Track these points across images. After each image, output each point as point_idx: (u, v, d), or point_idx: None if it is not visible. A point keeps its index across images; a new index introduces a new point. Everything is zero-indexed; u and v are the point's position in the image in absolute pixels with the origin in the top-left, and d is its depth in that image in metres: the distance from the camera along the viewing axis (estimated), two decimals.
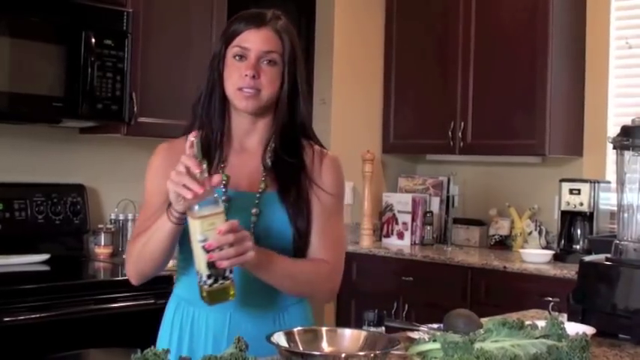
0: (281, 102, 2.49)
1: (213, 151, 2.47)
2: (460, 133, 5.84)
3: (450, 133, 5.89)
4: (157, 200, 2.43)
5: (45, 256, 4.42)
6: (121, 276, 4.14)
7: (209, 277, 2.17)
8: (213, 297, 2.21)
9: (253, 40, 2.44)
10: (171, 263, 2.51)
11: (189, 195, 2.12)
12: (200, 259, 2.17)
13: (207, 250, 2.13)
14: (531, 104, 5.48)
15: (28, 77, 4.23)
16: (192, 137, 2.18)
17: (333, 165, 2.58)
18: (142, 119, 4.62)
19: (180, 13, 4.77)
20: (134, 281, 2.51)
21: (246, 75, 2.40)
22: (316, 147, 2.57)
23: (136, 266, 2.45)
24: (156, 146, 2.62)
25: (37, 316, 3.75)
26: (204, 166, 2.16)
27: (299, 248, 2.47)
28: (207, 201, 2.14)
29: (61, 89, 4.31)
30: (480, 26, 5.80)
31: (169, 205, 2.24)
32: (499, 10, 5.73)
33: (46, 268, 4.38)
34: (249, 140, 2.54)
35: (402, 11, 6.33)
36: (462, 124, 5.84)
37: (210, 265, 2.15)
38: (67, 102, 4.32)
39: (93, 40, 4.38)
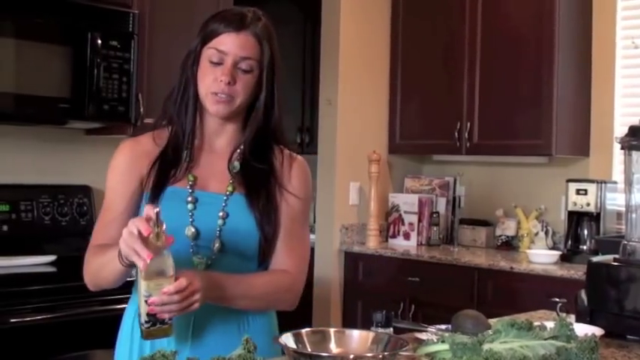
0: (257, 110, 2.45)
1: (181, 150, 2.44)
2: (466, 134, 5.83)
3: (456, 133, 5.88)
4: (118, 203, 2.43)
5: (51, 258, 4.42)
6: (127, 277, 4.13)
7: (147, 322, 2.14)
8: (150, 335, 2.18)
9: (231, 45, 2.38)
10: None
11: (139, 262, 2.06)
12: (141, 305, 2.14)
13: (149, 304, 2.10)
14: (538, 104, 5.47)
15: (34, 79, 4.22)
16: (155, 209, 2.07)
17: (301, 169, 2.54)
18: (148, 120, 4.61)
19: (186, 13, 4.76)
20: (91, 289, 2.48)
21: (221, 80, 2.36)
22: (286, 151, 2.53)
23: (93, 280, 2.42)
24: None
25: (43, 317, 3.75)
26: (160, 229, 2.07)
27: (265, 252, 2.43)
28: (156, 264, 2.08)
29: (67, 90, 4.31)
30: (486, 26, 5.79)
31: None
32: (505, 10, 5.72)
33: (52, 269, 4.37)
34: (218, 141, 2.49)
35: (408, 11, 6.33)
36: (469, 124, 5.83)
37: (151, 314, 2.13)
38: (73, 103, 4.32)
39: (99, 41, 4.38)
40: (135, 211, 2.42)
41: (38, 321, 3.73)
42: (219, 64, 2.37)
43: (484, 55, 5.79)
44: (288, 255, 2.44)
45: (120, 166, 2.46)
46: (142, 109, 4.56)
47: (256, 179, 2.44)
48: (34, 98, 4.22)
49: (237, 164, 2.46)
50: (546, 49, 5.44)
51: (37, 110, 4.29)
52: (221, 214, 2.38)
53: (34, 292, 3.82)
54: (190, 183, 2.40)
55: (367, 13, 6.31)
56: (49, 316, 3.75)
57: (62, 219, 4.61)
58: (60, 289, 3.86)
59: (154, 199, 2.36)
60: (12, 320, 3.64)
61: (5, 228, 4.47)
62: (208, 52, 2.39)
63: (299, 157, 2.56)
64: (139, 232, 2.03)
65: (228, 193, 2.42)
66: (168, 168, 2.42)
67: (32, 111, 4.28)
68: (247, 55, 2.38)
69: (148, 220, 2.04)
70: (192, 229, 2.37)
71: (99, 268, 2.32)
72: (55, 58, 4.29)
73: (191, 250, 2.37)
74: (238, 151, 2.47)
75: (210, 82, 2.37)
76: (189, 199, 2.38)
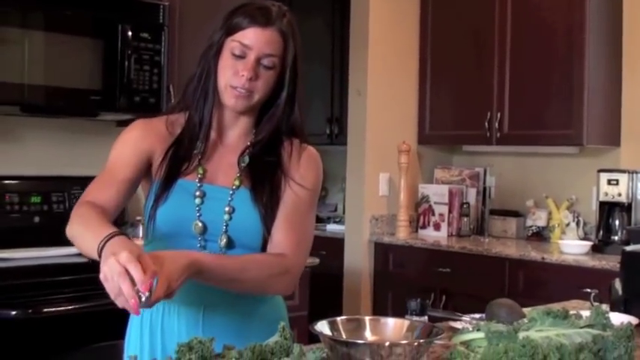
0: (277, 108, 2.41)
1: (195, 141, 2.40)
2: (497, 124, 5.81)
3: (486, 123, 5.86)
4: (120, 171, 2.35)
5: None
6: None
7: None
8: None
9: (256, 40, 2.32)
10: None
11: (118, 301, 1.89)
12: None
13: None
14: (568, 94, 5.45)
15: (65, 71, 4.24)
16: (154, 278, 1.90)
17: (311, 159, 2.49)
18: None
19: (216, 5, 4.76)
20: (68, 236, 2.25)
21: (243, 75, 2.31)
22: (295, 141, 2.46)
23: (72, 239, 2.22)
24: None
25: (75, 307, 3.76)
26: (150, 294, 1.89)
27: (268, 246, 2.38)
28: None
29: (98, 83, 4.33)
30: (516, 15, 5.76)
31: (103, 246, 1.98)
32: None
33: (83, 260, 4.37)
34: (230, 134, 2.46)
35: (437, 1, 6.32)
36: (499, 114, 5.81)
37: None
38: (104, 95, 4.33)
39: (129, 33, 4.39)
40: (134, 185, 2.38)
41: (70, 311, 3.74)
42: (241, 57, 2.32)
43: (514, 45, 5.76)
44: (285, 237, 2.36)
45: (131, 139, 2.42)
46: (172, 101, 4.57)
47: (263, 172, 2.40)
48: (65, 90, 4.23)
49: (247, 158, 2.43)
50: (577, 37, 5.41)
51: (68, 102, 4.31)
52: (227, 208, 2.35)
53: (66, 282, 3.83)
54: (200, 176, 2.38)
55: (396, 3, 6.30)
56: (80, 305, 3.76)
57: None
58: (91, 280, 3.84)
59: (164, 191, 2.34)
60: (45, 310, 3.66)
61: (37, 219, 4.49)
62: (231, 45, 2.34)
63: (310, 147, 2.50)
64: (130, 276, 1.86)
65: (234, 187, 2.38)
66: (180, 159, 2.39)
67: (64, 103, 4.30)
68: (271, 51, 2.34)
69: (146, 272, 1.88)
70: (200, 224, 2.34)
71: (79, 237, 2.17)
72: (85, 51, 4.31)
73: (199, 245, 2.34)
74: (248, 143, 2.45)
75: (231, 75, 2.33)
76: (197, 193, 2.35)
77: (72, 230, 2.20)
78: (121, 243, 1.97)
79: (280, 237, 2.35)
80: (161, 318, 2.38)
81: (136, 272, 1.85)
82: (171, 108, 2.53)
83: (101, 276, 1.89)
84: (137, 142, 2.38)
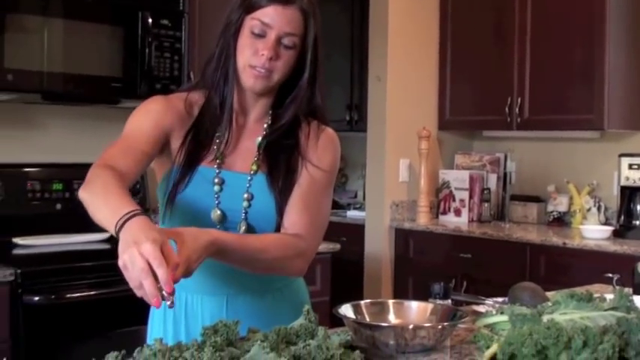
0: (299, 90, 2.35)
1: (216, 125, 2.33)
2: (517, 109, 5.80)
3: (506, 108, 5.85)
4: (140, 141, 2.23)
5: (104, 235, 4.45)
6: None
7: None
8: None
9: (277, 18, 2.24)
10: None
11: (138, 292, 1.79)
12: None
13: None
14: (589, 78, 5.42)
15: (84, 58, 4.26)
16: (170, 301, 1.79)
17: (329, 140, 2.43)
18: None
19: None
20: (80, 198, 2.08)
21: (263, 54, 2.23)
22: (313, 122, 2.40)
23: (84, 201, 2.03)
24: None
25: (97, 292, 3.78)
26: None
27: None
28: None
29: (119, 70, 4.35)
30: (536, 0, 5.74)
31: (122, 225, 1.86)
32: None
33: (106, 246, 4.41)
34: (248, 117, 2.39)
35: None
36: (519, 99, 5.79)
37: None
38: (125, 82, 4.35)
39: (150, 20, 4.40)
40: (150, 160, 2.27)
41: (92, 297, 3.77)
42: (261, 36, 2.24)
43: (534, 29, 5.74)
44: (300, 218, 2.31)
45: (152, 112, 2.31)
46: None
47: (279, 156, 2.35)
48: (85, 78, 4.25)
49: (264, 141, 2.37)
50: (597, 21, 5.38)
51: (88, 90, 4.33)
52: (246, 195, 2.31)
53: (89, 268, 3.85)
54: (218, 162, 2.32)
55: None
56: (102, 291, 3.78)
57: None
58: (114, 266, 3.87)
59: (183, 177, 2.28)
60: (67, 296, 3.68)
61: (59, 206, 4.52)
62: (251, 23, 2.25)
63: (328, 129, 2.44)
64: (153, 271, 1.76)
65: (252, 172, 2.33)
66: (200, 144, 2.32)
67: (84, 90, 4.32)
68: (292, 30, 2.26)
69: (168, 263, 1.77)
70: (219, 212, 2.29)
71: (94, 203, 2.00)
72: (105, 38, 4.32)
73: None
74: (265, 126, 2.39)
75: (250, 55, 2.25)
76: (216, 180, 2.30)
77: (88, 193, 2.03)
78: (142, 227, 1.82)
79: (295, 218, 2.31)
80: (184, 308, 2.36)
81: (161, 272, 1.74)
82: (191, 87, 2.43)
83: (120, 263, 1.78)
84: (158, 116, 2.29)
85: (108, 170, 2.06)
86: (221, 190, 2.30)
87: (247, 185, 2.32)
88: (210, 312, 2.32)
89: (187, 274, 1.89)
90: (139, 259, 1.74)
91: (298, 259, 2.31)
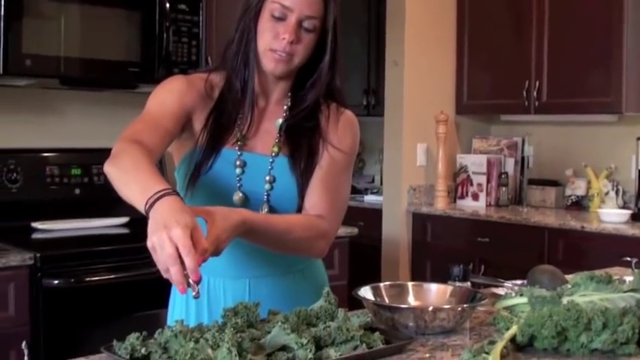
0: (321, 74, 2.34)
1: (238, 108, 2.32)
2: (535, 93, 5.78)
3: (524, 92, 5.83)
4: (164, 118, 2.21)
5: (124, 219, 4.48)
6: None
7: None
8: None
9: (297, 2, 2.23)
10: None
11: (165, 275, 1.80)
12: None
13: None
14: (607, 61, 5.40)
15: (101, 43, 4.26)
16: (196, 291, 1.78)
17: (349, 122, 2.43)
18: None
19: None
20: (106, 172, 2.06)
21: (284, 38, 2.22)
22: (333, 105, 2.40)
23: (111, 175, 2.02)
24: None
25: (116, 276, 3.80)
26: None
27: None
28: None
29: (136, 55, 4.35)
30: None
31: (152, 204, 1.84)
32: None
33: (125, 230, 4.43)
34: (267, 100, 2.39)
35: None
36: (537, 83, 5.77)
37: None
38: (143, 67, 4.36)
39: (167, 4, 4.40)
40: (172, 139, 2.24)
41: (111, 280, 3.78)
42: (281, 19, 2.23)
43: (552, 12, 5.71)
44: (321, 200, 2.32)
45: (175, 90, 2.29)
46: None
47: (301, 138, 2.35)
48: (102, 63, 4.26)
49: (284, 123, 2.37)
50: (616, 4, 5.35)
51: (106, 75, 4.34)
52: (268, 178, 2.31)
53: (108, 252, 3.87)
54: (240, 144, 2.32)
55: None
56: (122, 275, 3.80)
57: None
58: (133, 250, 3.91)
59: (206, 160, 2.27)
60: (87, 279, 3.70)
61: (78, 191, 4.53)
62: (271, 7, 2.24)
63: (348, 111, 2.44)
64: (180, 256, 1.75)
65: (273, 154, 2.33)
66: (222, 127, 2.32)
67: (101, 75, 4.33)
68: (312, 13, 2.25)
69: (196, 248, 1.77)
70: (241, 195, 2.29)
71: (122, 178, 1.98)
72: (122, 23, 4.33)
73: None
74: (285, 108, 2.39)
75: (271, 39, 2.24)
76: (238, 162, 2.30)
77: (115, 167, 2.01)
78: (173, 208, 1.81)
79: (316, 199, 2.31)
80: (207, 292, 2.35)
81: (189, 260, 1.73)
82: (211, 69, 2.42)
83: (149, 244, 1.77)
84: (181, 95, 2.27)
85: (136, 145, 2.04)
86: (243, 172, 2.30)
87: (269, 167, 2.32)
88: (233, 295, 2.32)
89: (216, 253, 1.89)
90: (168, 245, 1.73)
91: (321, 240, 2.32)
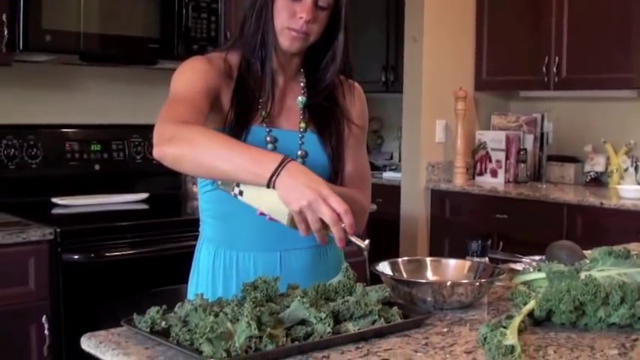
0: (337, 51, 2.34)
1: (260, 86, 2.32)
2: (555, 68, 5.76)
3: (544, 68, 5.81)
4: (198, 98, 2.19)
5: (144, 195, 4.50)
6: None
7: None
8: None
9: None
10: None
11: (316, 232, 1.91)
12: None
13: None
14: (627, 36, 5.38)
15: (121, 19, 4.27)
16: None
17: (361, 97, 2.50)
18: None
19: None
20: (161, 156, 2.06)
21: (301, 18, 2.22)
22: (342, 78, 2.43)
23: (185, 156, 2.03)
24: None
25: (136, 251, 3.82)
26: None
27: None
28: None
29: (156, 31, 4.36)
30: None
31: (279, 172, 1.90)
32: None
33: (144, 206, 4.45)
34: (285, 76, 2.40)
35: None
36: (557, 58, 5.75)
37: None
38: (162, 43, 4.37)
39: None
40: (206, 121, 2.20)
41: (131, 255, 3.80)
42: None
43: None
44: (358, 180, 2.41)
45: (201, 71, 2.27)
46: None
47: (326, 116, 2.39)
48: (122, 38, 4.27)
49: (303, 99, 2.40)
50: None
51: (126, 50, 4.35)
52: (300, 152, 2.34)
53: (128, 227, 3.88)
54: (266, 121, 2.33)
55: None
56: (141, 250, 3.82)
57: (153, 158, 4.66)
58: (153, 225, 3.93)
59: (237, 137, 2.23)
60: (106, 254, 3.72)
61: (97, 167, 4.55)
62: None
63: (355, 83, 2.49)
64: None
65: (301, 129, 2.37)
66: (247, 105, 2.32)
67: (121, 51, 4.34)
68: None
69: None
70: None
71: (212, 156, 1.98)
72: None
73: None
74: (302, 84, 2.41)
75: (287, 18, 2.24)
76: (268, 138, 2.31)
77: (186, 146, 2.00)
78: (307, 172, 1.91)
79: (349, 180, 2.39)
80: (235, 266, 2.36)
81: (349, 220, 1.86)
82: (227, 47, 2.40)
83: (295, 207, 1.87)
84: (206, 74, 2.26)
85: (195, 125, 2.05)
86: (275, 148, 2.30)
87: (300, 143, 2.35)
88: (264, 269, 2.32)
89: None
90: (324, 208, 1.85)
91: (364, 215, 2.42)
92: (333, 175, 2.35)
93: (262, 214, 2.04)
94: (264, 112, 2.32)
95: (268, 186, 1.89)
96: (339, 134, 2.39)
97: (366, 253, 2.00)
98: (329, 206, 1.85)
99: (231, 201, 2.03)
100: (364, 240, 1.92)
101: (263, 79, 2.32)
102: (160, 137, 2.04)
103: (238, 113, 2.30)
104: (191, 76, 2.27)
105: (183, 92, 2.22)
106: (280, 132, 2.34)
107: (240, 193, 2.02)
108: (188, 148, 2.00)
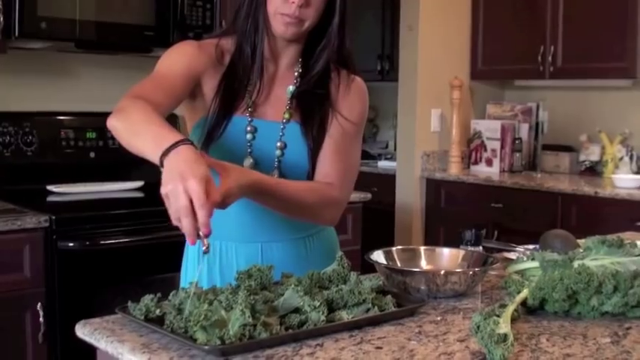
0: (330, 37, 2.31)
1: (248, 74, 2.31)
2: (550, 57, 5.76)
3: (539, 57, 5.82)
4: (173, 79, 2.20)
5: (138, 183, 4.50)
6: None
7: None
8: None
9: None
10: None
11: (175, 223, 1.80)
12: None
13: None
14: (622, 26, 5.38)
15: (117, 7, 4.26)
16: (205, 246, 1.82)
17: (359, 92, 2.42)
18: None
19: None
20: (108, 126, 2.05)
21: (293, 2, 2.19)
22: (343, 72, 2.39)
23: (118, 129, 2.02)
24: None
25: (131, 239, 3.83)
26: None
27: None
28: None
29: (151, 18, 4.35)
30: None
31: (167, 153, 1.84)
32: None
33: (139, 194, 4.45)
34: (278, 65, 2.37)
35: None
36: (552, 48, 5.75)
37: None
38: (158, 31, 4.36)
39: None
40: (178, 103, 2.24)
41: (126, 243, 3.82)
42: None
43: None
44: (332, 169, 2.32)
45: (187, 54, 2.28)
46: None
47: (312, 106, 2.35)
48: (118, 26, 4.27)
49: (293, 88, 2.37)
50: None
51: (121, 38, 4.34)
52: (279, 144, 2.31)
53: (122, 215, 3.89)
54: (250, 110, 2.31)
55: None
56: (136, 238, 3.83)
57: None
58: (147, 213, 3.93)
59: (218, 127, 2.27)
60: (101, 242, 3.74)
61: (92, 155, 4.55)
62: None
63: (358, 78, 2.44)
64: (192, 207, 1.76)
65: (284, 120, 2.34)
66: (233, 94, 2.31)
67: (117, 39, 4.33)
68: None
69: (208, 198, 1.78)
70: (251, 160, 2.28)
71: (130, 130, 1.98)
72: None
73: None
74: (296, 74, 2.38)
75: (280, 3, 2.21)
76: (249, 128, 2.30)
77: (123, 120, 2.01)
78: (190, 158, 1.81)
79: (327, 169, 2.32)
80: (219, 256, 2.37)
81: (202, 213, 1.75)
82: (221, 33, 2.40)
83: (162, 192, 1.78)
84: (192, 59, 2.26)
85: (142, 101, 2.03)
86: (254, 138, 2.30)
87: (280, 134, 2.32)
88: (246, 259, 2.32)
89: (223, 206, 1.89)
90: (182, 196, 1.74)
91: (332, 207, 2.35)
92: (310, 166, 2.32)
93: None
94: (250, 101, 2.31)
95: (161, 165, 1.83)
96: (323, 125, 2.34)
97: (205, 255, 1.90)
98: (187, 197, 1.75)
99: (216, 178, 2.01)
100: (207, 241, 1.80)
101: (252, 65, 2.30)
102: (115, 108, 2.05)
103: (223, 100, 2.29)
104: (175, 57, 2.28)
105: (160, 71, 2.23)
106: (262, 122, 2.32)
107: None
108: (123, 122, 2.01)
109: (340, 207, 2.37)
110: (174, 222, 1.78)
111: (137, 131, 1.95)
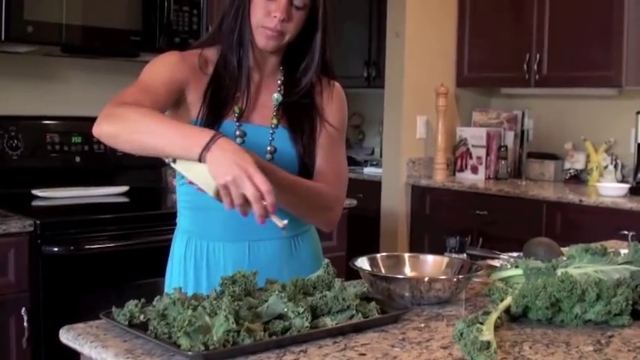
0: (313, 51, 2.37)
1: (234, 83, 2.34)
2: (536, 66, 5.78)
3: (525, 65, 5.83)
4: (156, 88, 2.23)
5: (124, 188, 4.50)
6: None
7: None
8: None
9: None
10: None
11: (238, 208, 1.94)
12: None
13: None
14: (608, 35, 5.40)
15: (103, 11, 4.26)
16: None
17: (340, 97, 2.49)
18: None
19: None
20: (100, 132, 2.11)
21: (275, 16, 2.24)
22: (324, 78, 2.45)
23: (120, 132, 2.06)
24: None
25: (116, 244, 3.81)
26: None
27: None
28: None
29: (138, 23, 4.35)
30: None
31: (209, 147, 1.95)
32: None
33: (125, 199, 4.45)
34: (260, 73, 2.41)
35: None
36: (538, 56, 5.77)
37: None
38: (144, 36, 4.35)
39: None
40: (161, 111, 2.21)
41: (111, 248, 3.80)
42: None
43: None
44: (328, 177, 2.38)
45: (170, 64, 2.32)
46: None
47: (299, 112, 2.40)
48: (104, 31, 4.26)
49: (278, 96, 2.41)
50: None
51: (108, 43, 4.33)
52: (269, 148, 2.35)
53: (108, 220, 3.88)
54: (237, 115, 2.35)
55: None
56: (121, 243, 3.82)
57: None
58: (133, 218, 3.93)
59: None
60: (86, 247, 3.72)
61: (78, 159, 4.54)
62: None
63: (337, 84, 2.49)
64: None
65: (273, 125, 2.38)
66: (221, 101, 2.34)
67: (103, 43, 4.33)
68: None
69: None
70: None
71: (144, 132, 2.03)
72: None
73: None
74: (279, 82, 2.43)
75: (262, 16, 2.26)
76: (238, 132, 2.33)
77: (118, 123, 2.05)
78: (237, 148, 1.96)
79: (320, 176, 2.37)
80: (206, 255, 2.39)
81: (270, 199, 1.90)
82: (203, 42, 2.45)
83: (221, 181, 1.91)
84: (175, 69, 2.30)
85: (135, 105, 2.09)
86: (243, 142, 2.32)
87: (270, 138, 2.36)
88: (233, 258, 2.36)
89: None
90: (247, 184, 1.89)
91: (329, 212, 2.42)
92: (303, 170, 2.36)
93: (191, 183, 2.11)
94: (236, 108, 2.35)
95: (200, 160, 1.95)
96: (312, 131, 2.39)
97: (284, 232, 2.08)
98: (253, 184, 1.89)
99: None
100: (282, 220, 1.97)
101: (239, 76, 2.34)
102: (100, 115, 2.10)
103: (211, 108, 2.32)
104: (159, 67, 2.32)
105: (144, 80, 2.27)
106: (250, 127, 2.35)
107: (174, 160, 2.06)
108: (123, 124, 2.05)
109: (338, 213, 2.45)
110: (237, 208, 1.94)
111: (153, 131, 2.02)
